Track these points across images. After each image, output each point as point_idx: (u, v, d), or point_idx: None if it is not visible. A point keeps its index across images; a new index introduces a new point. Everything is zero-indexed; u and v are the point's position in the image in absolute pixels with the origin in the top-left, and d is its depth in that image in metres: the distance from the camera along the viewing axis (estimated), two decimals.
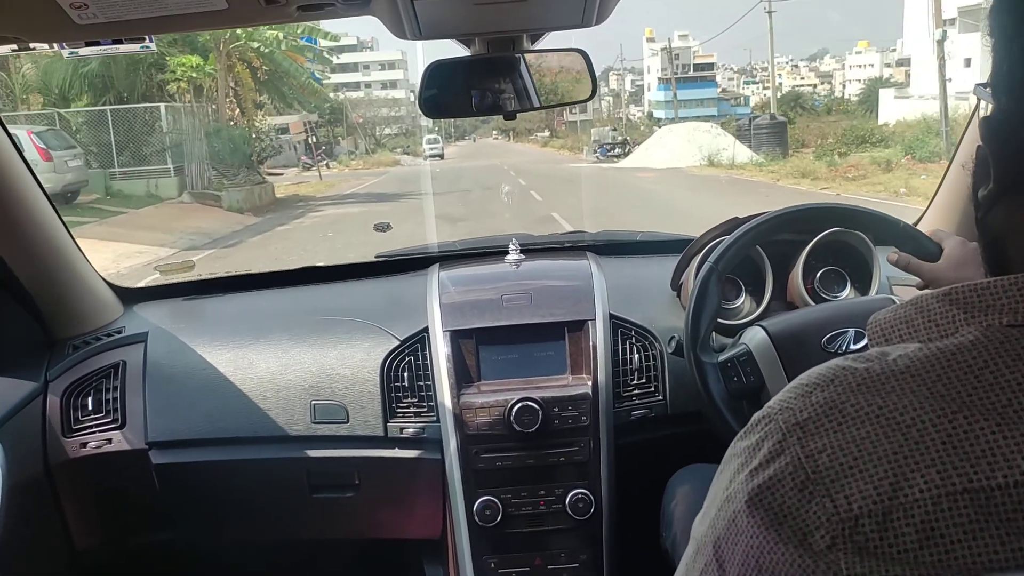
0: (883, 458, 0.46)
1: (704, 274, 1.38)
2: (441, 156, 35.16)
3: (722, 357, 1.36)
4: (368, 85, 52.79)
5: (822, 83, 59.27)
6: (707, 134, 23.09)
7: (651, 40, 53.96)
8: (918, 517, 0.44)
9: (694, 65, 50.52)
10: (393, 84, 57.46)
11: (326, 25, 17.90)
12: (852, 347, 1.31)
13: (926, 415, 0.46)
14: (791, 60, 68.56)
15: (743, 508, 0.49)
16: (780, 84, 62.80)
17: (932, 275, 1.26)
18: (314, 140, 27.22)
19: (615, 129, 32.73)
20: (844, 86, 53.36)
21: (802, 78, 64.79)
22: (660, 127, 29.94)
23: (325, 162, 26.75)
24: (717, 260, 1.38)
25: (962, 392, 0.46)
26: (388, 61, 58.81)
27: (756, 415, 0.54)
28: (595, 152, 26.81)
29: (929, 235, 1.30)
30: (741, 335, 1.42)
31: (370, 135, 41.25)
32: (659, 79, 48.84)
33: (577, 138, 39.01)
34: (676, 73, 46.80)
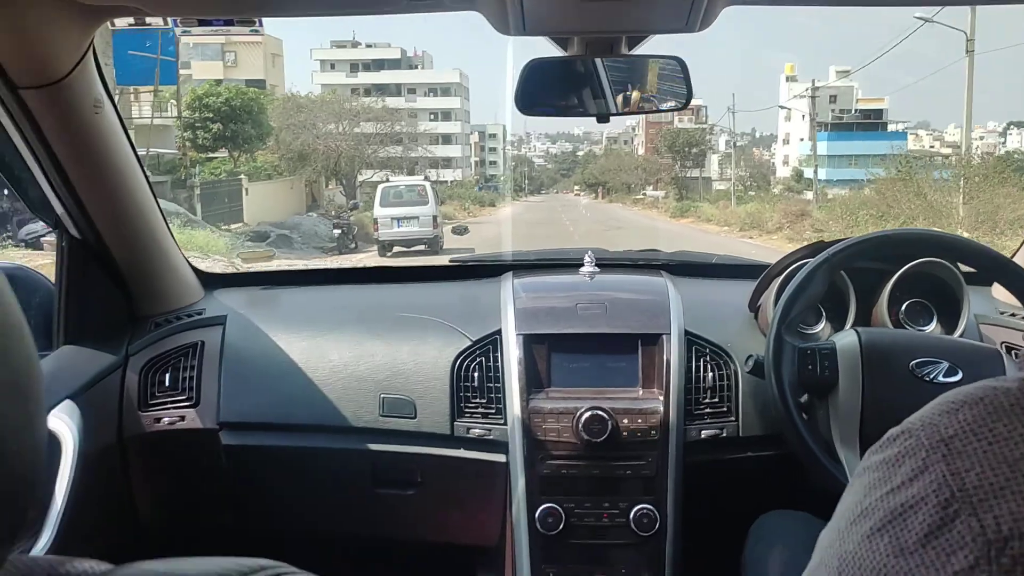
0: None
1: (816, 262, 1.49)
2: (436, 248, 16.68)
3: (804, 344, 1.45)
4: (413, 115, 39.29)
5: (954, 153, 56.81)
6: None
7: (792, 79, 45.14)
8: None
9: (858, 111, 43.09)
10: (446, 115, 46.59)
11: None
12: (942, 379, 1.37)
13: None
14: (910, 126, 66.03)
15: (877, 527, 0.50)
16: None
17: None
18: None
19: None
20: None
21: (930, 147, 62.82)
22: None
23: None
24: (833, 253, 1.49)
25: None
26: (442, 85, 47.73)
27: (893, 430, 0.54)
28: None
29: None
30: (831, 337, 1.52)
31: (346, 181, 28.47)
32: (819, 124, 37.62)
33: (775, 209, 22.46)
34: (839, 119, 39.49)
